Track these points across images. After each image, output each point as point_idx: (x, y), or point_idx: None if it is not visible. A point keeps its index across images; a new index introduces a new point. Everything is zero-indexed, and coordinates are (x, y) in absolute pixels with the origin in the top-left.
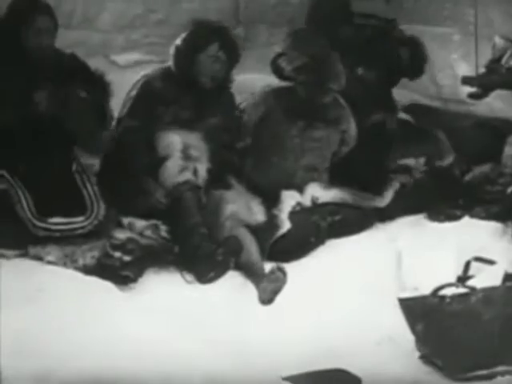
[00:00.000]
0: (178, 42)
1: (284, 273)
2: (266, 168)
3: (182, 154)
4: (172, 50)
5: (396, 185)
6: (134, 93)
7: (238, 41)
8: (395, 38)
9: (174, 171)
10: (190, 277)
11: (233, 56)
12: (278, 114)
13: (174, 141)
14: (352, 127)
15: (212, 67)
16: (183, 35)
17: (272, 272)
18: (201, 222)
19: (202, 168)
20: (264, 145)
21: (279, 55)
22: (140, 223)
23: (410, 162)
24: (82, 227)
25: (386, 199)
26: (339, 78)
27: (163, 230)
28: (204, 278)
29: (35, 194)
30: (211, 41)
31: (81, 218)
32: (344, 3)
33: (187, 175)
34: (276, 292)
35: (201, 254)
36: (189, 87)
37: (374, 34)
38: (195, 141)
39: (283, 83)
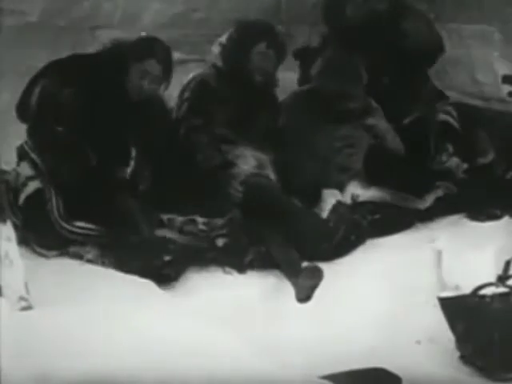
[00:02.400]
0: (224, 40)
1: (319, 269)
2: (299, 171)
3: (256, 162)
4: (217, 49)
5: (439, 192)
6: (188, 93)
7: (284, 38)
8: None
9: (248, 168)
10: (230, 271)
11: (280, 53)
12: (301, 119)
13: (245, 152)
14: (381, 120)
15: (262, 64)
16: (229, 33)
17: (307, 269)
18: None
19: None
20: (292, 148)
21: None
22: (179, 219)
23: (451, 163)
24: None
25: (426, 202)
26: (359, 84)
27: (200, 223)
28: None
29: (68, 198)
30: (259, 39)
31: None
32: None
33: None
34: (313, 288)
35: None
36: (241, 85)
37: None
38: (262, 157)
39: (305, 86)
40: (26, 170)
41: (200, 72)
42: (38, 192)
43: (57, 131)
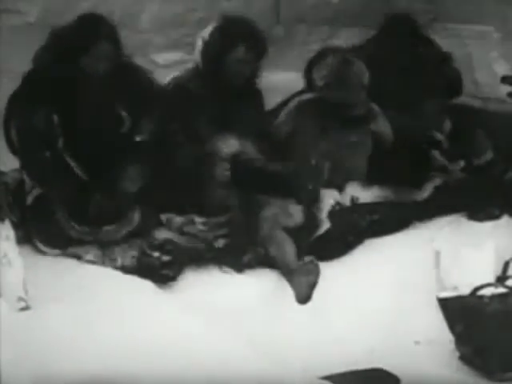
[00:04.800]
0: (206, 35)
1: (316, 264)
2: (301, 176)
3: (240, 147)
4: (200, 44)
5: (437, 180)
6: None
7: (265, 38)
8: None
9: (227, 149)
10: (228, 270)
11: (260, 54)
12: (308, 128)
13: (230, 140)
14: (383, 126)
15: (239, 69)
16: (211, 29)
17: (303, 264)
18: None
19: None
20: (297, 155)
21: (311, 64)
22: (178, 219)
23: (451, 165)
24: (114, 234)
25: (424, 192)
26: (363, 91)
27: (199, 222)
28: (305, 195)
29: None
30: (238, 43)
31: (113, 227)
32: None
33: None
34: (312, 286)
35: (290, 171)
36: (218, 87)
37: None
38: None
39: (310, 95)
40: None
41: (179, 74)
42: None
43: (45, 159)
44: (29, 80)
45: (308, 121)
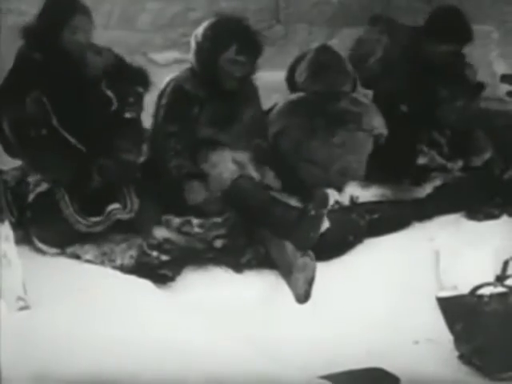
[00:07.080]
0: (199, 35)
1: (311, 257)
2: (294, 176)
3: (236, 167)
4: (193, 44)
5: (437, 181)
6: (165, 99)
7: (259, 37)
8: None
9: (227, 174)
10: (227, 270)
11: (254, 54)
12: (297, 128)
13: (224, 154)
14: (377, 121)
15: (231, 70)
16: (204, 29)
17: (299, 262)
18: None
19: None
20: (287, 157)
21: (292, 69)
22: (176, 220)
23: (450, 164)
24: (120, 214)
25: (425, 190)
26: (348, 80)
27: (196, 224)
28: (306, 243)
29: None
30: (229, 44)
31: (116, 205)
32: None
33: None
34: (309, 283)
35: (291, 218)
36: (214, 87)
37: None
38: (243, 157)
39: (297, 95)
40: (33, 176)
41: (175, 76)
42: (50, 189)
43: (42, 136)
44: (12, 74)
45: (299, 121)
